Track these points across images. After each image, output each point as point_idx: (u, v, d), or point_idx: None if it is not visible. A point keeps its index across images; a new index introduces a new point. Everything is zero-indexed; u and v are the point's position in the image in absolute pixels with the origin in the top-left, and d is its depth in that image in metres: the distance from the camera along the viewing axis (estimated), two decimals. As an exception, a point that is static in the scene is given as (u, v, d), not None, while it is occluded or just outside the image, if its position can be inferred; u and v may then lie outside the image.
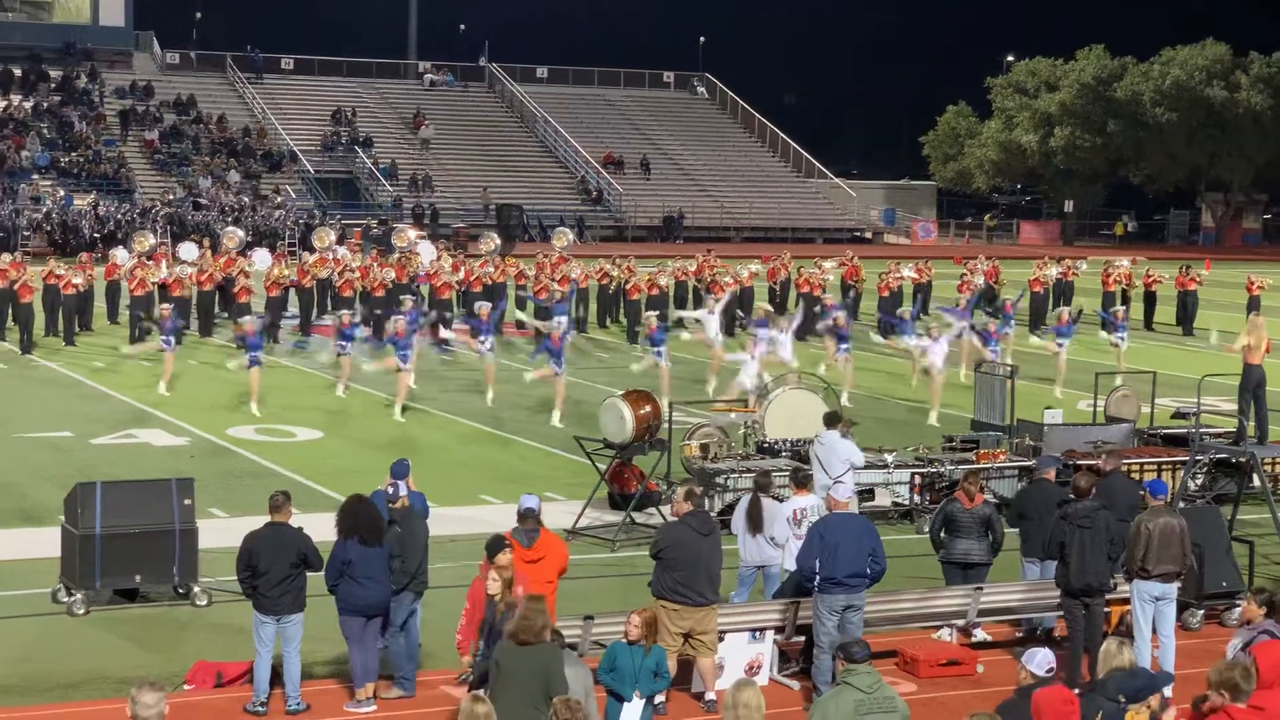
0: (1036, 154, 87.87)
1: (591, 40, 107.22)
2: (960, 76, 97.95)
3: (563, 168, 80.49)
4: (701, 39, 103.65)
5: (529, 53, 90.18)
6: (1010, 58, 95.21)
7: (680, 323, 34.10)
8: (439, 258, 40.07)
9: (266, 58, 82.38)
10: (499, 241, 43.62)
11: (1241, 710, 9.85)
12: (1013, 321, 32.24)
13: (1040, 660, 10.30)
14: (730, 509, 17.54)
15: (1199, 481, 20.73)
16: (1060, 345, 30.46)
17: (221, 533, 17.20)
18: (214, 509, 19.44)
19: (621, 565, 17.74)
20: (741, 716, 9.36)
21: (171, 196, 64.17)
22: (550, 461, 23.74)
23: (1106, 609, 14.43)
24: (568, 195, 77.90)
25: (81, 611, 15.45)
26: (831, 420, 17.88)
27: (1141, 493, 15.63)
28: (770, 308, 32.76)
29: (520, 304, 37.09)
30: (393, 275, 37.06)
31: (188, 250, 40.91)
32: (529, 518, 13.44)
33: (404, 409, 26.91)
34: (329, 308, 37.63)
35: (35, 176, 65.11)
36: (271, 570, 12.94)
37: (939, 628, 15.33)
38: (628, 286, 38.73)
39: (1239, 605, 14.17)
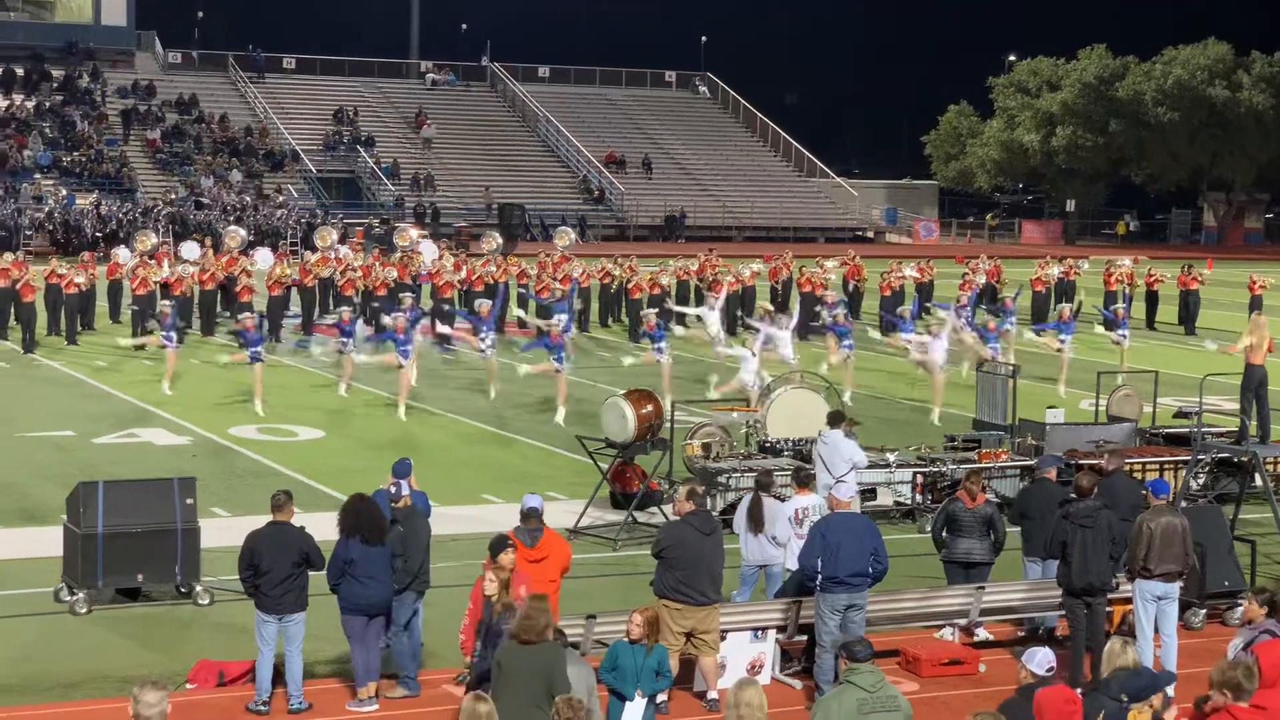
0: (1038, 153, 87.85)
1: (593, 40, 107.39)
2: (962, 76, 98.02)
3: (565, 167, 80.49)
4: (703, 38, 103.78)
5: (531, 52, 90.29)
6: (1012, 57, 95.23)
7: (680, 316, 34.08)
8: (441, 257, 40.08)
9: (268, 57, 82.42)
10: (501, 241, 43.63)
11: (1244, 710, 9.84)
12: (1013, 318, 32.22)
13: (1040, 660, 10.30)
14: (732, 508, 17.54)
15: (1201, 481, 20.72)
16: (1062, 342, 30.45)
17: (223, 532, 17.21)
18: (216, 508, 19.45)
19: (623, 564, 17.74)
20: (744, 715, 9.36)
21: (173, 196, 64.20)
22: (552, 461, 23.74)
23: (1108, 608, 14.43)
24: (570, 195, 77.91)
25: (83, 611, 15.45)
26: (835, 420, 17.87)
27: (1143, 492, 15.62)
28: (770, 307, 32.75)
29: (523, 303, 37.10)
30: (395, 274, 37.08)
31: (190, 249, 40.97)
32: (532, 517, 13.43)
33: (406, 408, 26.92)
34: (331, 307, 37.65)
35: (37, 176, 65.12)
36: (273, 569, 12.94)
37: (941, 627, 15.33)
38: (629, 286, 38.75)
39: (1241, 605, 14.17)
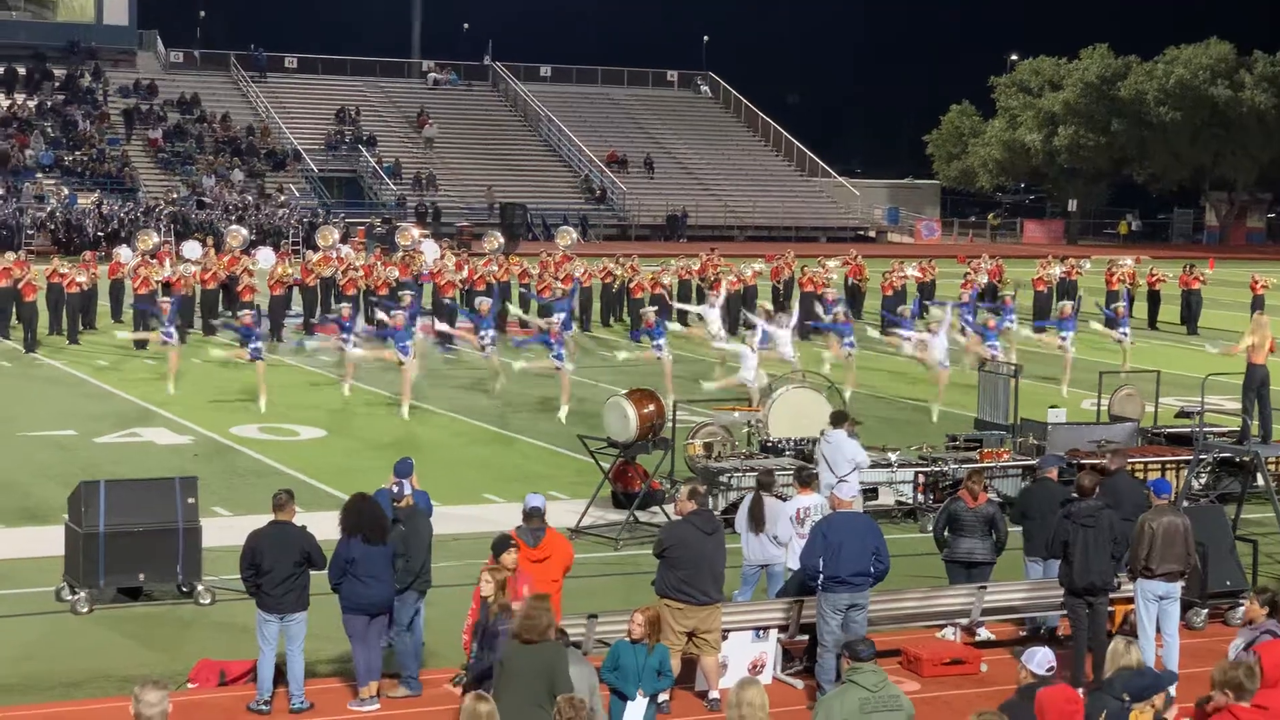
0: (1040, 153, 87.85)
1: (595, 39, 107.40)
2: (964, 75, 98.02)
3: (566, 166, 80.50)
4: (705, 38, 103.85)
5: (532, 51, 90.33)
6: (1014, 56, 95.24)
7: (681, 315, 34.06)
8: (443, 256, 40.10)
9: (270, 56, 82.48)
10: (503, 240, 43.65)
11: (1245, 710, 9.84)
12: (1012, 315, 32.22)
13: (1040, 659, 10.29)
14: (733, 508, 17.53)
15: (1203, 481, 20.71)
16: (1064, 339, 30.45)
17: (225, 531, 17.20)
18: (218, 507, 19.46)
19: (625, 564, 17.74)
20: (745, 715, 9.35)
21: (175, 195, 64.22)
22: (553, 460, 23.74)
23: (1110, 608, 14.43)
24: (571, 194, 77.91)
25: (85, 610, 15.45)
26: (839, 419, 17.86)
27: (1145, 491, 15.62)
28: (769, 306, 32.78)
29: (524, 303, 37.11)
30: (396, 274, 37.08)
31: (191, 249, 40.97)
32: (535, 517, 13.42)
33: (409, 407, 26.92)
34: (332, 307, 37.65)
35: (39, 175, 65.15)
36: (275, 569, 12.94)
37: (943, 626, 15.33)
38: (631, 285, 38.74)
39: (1243, 604, 14.16)
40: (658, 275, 38.74)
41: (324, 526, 14.15)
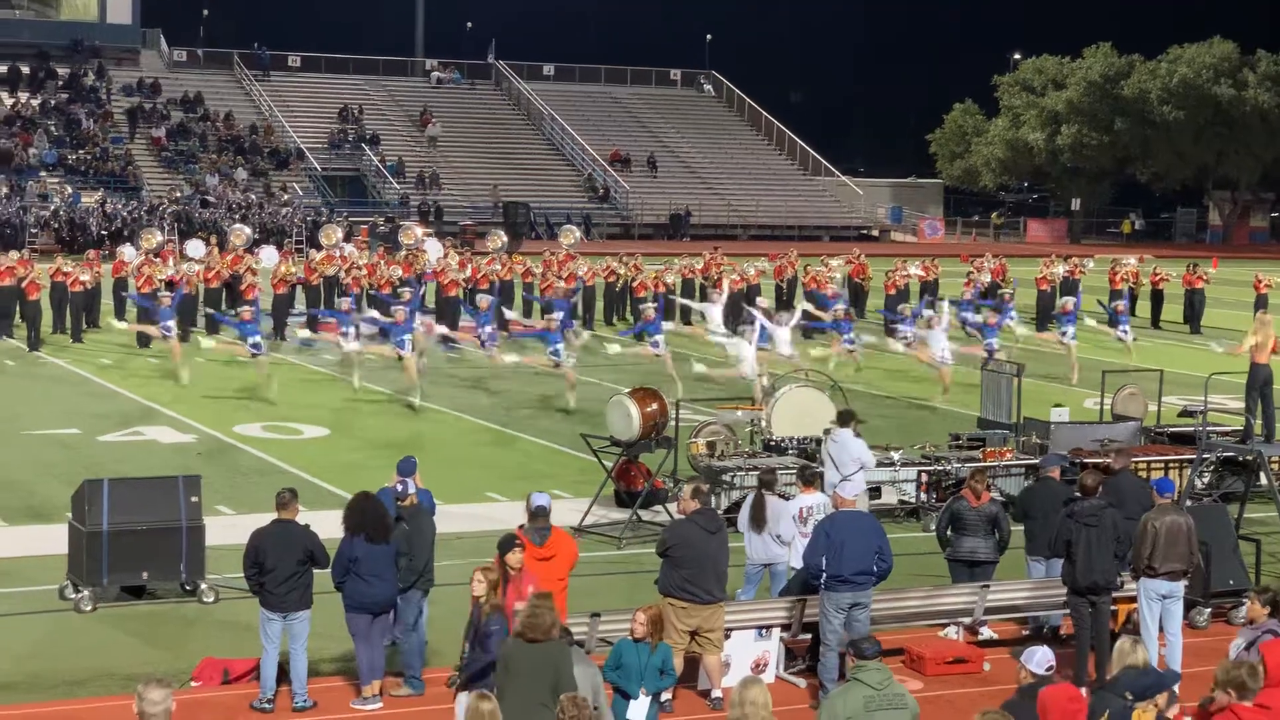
0: (1043, 152, 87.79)
1: (598, 38, 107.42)
2: (967, 74, 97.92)
3: (570, 165, 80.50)
4: (708, 37, 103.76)
5: (536, 50, 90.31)
6: (1017, 56, 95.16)
7: (683, 312, 34.06)
8: (446, 255, 40.11)
9: (274, 55, 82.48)
10: (506, 239, 43.67)
11: (1248, 709, 9.84)
12: (1012, 312, 32.21)
13: (1040, 659, 10.29)
14: (736, 506, 17.53)
15: (1206, 480, 20.70)
16: (1065, 334, 30.45)
17: (228, 530, 17.23)
18: (221, 506, 19.47)
19: (628, 563, 17.74)
20: (748, 714, 9.35)
21: (179, 194, 64.24)
22: (556, 459, 23.75)
23: (1113, 607, 14.43)
24: (575, 193, 77.91)
25: (88, 608, 15.47)
26: (845, 419, 17.86)
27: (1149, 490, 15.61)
28: (767, 304, 32.82)
29: (527, 302, 37.12)
30: (400, 272, 37.09)
31: (195, 247, 40.98)
32: (540, 516, 13.41)
33: (410, 405, 26.93)
34: (335, 305, 37.66)
35: (43, 174, 65.16)
36: (278, 567, 12.95)
37: (945, 625, 15.33)
38: (634, 284, 38.73)
39: (1245, 604, 14.16)
40: (661, 274, 38.76)
41: (327, 525, 14.15)
